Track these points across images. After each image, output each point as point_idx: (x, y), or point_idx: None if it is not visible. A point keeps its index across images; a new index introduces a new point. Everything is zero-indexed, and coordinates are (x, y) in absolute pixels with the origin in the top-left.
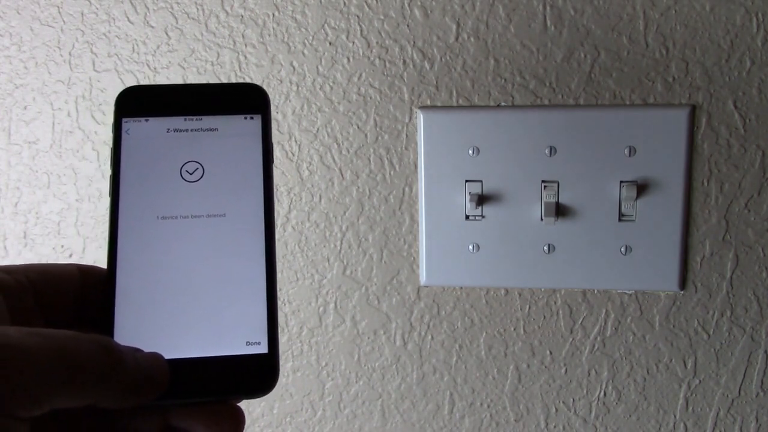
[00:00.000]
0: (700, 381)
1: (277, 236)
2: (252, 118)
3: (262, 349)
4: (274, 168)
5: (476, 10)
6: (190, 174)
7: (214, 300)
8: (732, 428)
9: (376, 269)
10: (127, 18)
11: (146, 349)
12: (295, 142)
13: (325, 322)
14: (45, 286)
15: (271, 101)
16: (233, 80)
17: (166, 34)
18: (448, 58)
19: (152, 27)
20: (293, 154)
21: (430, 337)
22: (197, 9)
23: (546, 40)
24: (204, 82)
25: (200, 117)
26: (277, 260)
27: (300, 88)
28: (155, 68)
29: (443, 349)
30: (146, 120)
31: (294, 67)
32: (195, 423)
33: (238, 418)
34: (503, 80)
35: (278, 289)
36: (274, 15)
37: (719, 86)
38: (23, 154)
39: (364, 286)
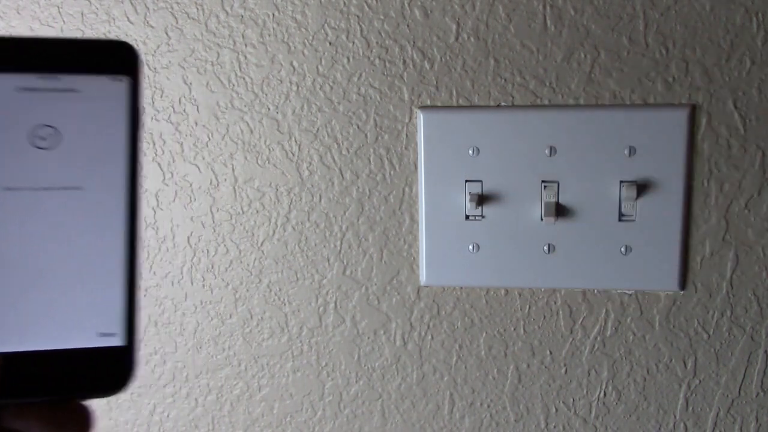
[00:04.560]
0: (700, 381)
1: (275, 236)
2: (120, 79)
3: (118, 341)
4: (272, 167)
5: (476, 10)
6: (43, 140)
7: (62, 284)
8: (732, 428)
9: (376, 269)
10: (127, 18)
11: None
12: (295, 142)
13: (325, 322)
14: None
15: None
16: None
17: (166, 34)
18: (448, 58)
19: (152, 27)
20: (293, 154)
21: (430, 337)
22: (197, 9)
23: (546, 40)
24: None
25: (58, 75)
26: (140, 241)
27: (300, 88)
28: (155, 68)
29: (443, 349)
30: None
31: (294, 67)
32: (30, 424)
33: (85, 421)
34: (503, 80)
35: (139, 275)
36: (274, 15)
37: (719, 86)
38: None
39: (364, 286)
